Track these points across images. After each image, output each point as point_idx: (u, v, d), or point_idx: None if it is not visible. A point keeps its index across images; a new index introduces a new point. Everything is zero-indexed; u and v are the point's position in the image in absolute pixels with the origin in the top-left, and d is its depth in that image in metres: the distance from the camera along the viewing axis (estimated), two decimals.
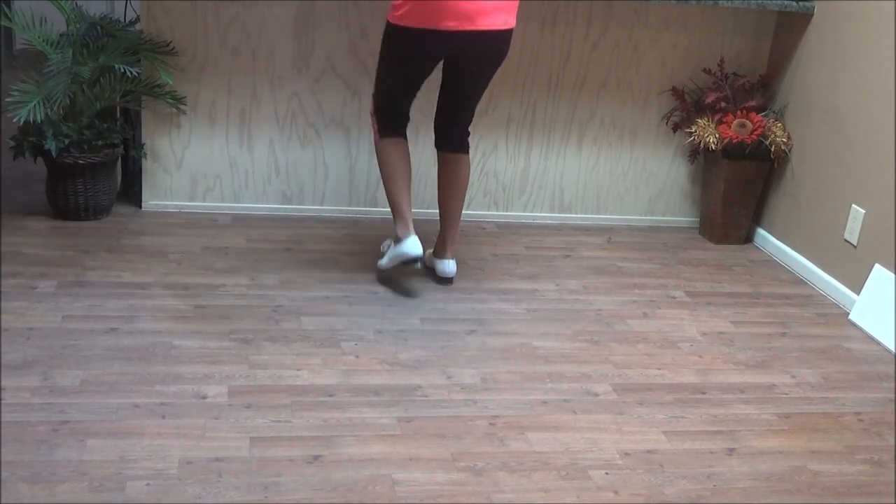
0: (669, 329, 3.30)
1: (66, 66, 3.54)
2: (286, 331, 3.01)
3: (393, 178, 3.32)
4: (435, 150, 3.50)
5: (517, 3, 3.17)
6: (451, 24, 3.06)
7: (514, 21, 3.19)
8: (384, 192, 3.40)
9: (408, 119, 3.41)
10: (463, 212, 4.16)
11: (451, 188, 3.43)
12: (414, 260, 3.29)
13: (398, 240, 3.30)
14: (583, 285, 3.59)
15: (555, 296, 3.48)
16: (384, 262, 3.40)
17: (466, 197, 4.14)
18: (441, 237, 3.49)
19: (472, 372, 2.87)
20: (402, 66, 3.26)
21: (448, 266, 3.47)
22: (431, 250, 3.56)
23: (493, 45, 3.19)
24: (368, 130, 3.98)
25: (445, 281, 3.48)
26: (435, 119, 3.45)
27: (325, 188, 4.04)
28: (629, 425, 2.66)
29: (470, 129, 3.44)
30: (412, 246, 3.26)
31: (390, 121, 3.35)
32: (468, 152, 3.43)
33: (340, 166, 4.02)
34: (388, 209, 4.10)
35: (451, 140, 3.42)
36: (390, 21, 3.18)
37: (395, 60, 3.24)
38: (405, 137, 3.38)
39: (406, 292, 3.37)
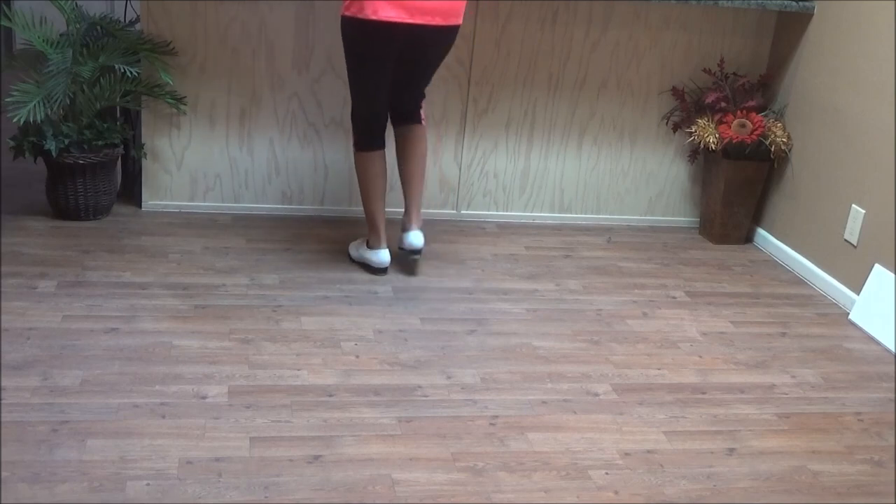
0: (669, 329, 3.30)
1: (66, 66, 3.54)
2: (286, 331, 3.01)
3: (368, 192, 3.45)
4: None
5: (463, 6, 3.25)
6: (407, 18, 3.14)
7: (460, 19, 3.27)
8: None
9: (384, 124, 3.43)
10: (463, 211, 4.18)
11: (408, 159, 3.48)
12: (381, 271, 3.51)
13: (370, 247, 3.51)
14: (583, 285, 3.59)
15: (555, 296, 3.48)
16: (354, 253, 3.59)
17: (467, 196, 4.15)
18: (407, 210, 3.52)
19: (472, 372, 2.87)
20: (360, 61, 3.28)
21: (414, 238, 3.47)
22: (362, 243, 3.58)
23: (444, 40, 3.29)
24: None
25: (413, 253, 3.49)
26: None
27: (325, 188, 4.04)
28: (629, 425, 2.66)
29: (423, 103, 3.50)
30: (381, 258, 3.48)
31: (369, 131, 3.41)
32: (422, 122, 3.49)
33: (340, 166, 4.02)
34: (388, 209, 4.11)
35: (404, 113, 3.48)
36: (341, 15, 3.22)
37: (354, 55, 3.29)
38: (383, 147, 3.43)
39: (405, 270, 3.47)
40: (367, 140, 3.40)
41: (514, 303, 3.38)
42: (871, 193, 3.53)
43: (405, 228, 3.51)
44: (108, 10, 4.60)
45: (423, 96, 3.51)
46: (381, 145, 3.42)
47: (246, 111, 3.88)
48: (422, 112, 3.51)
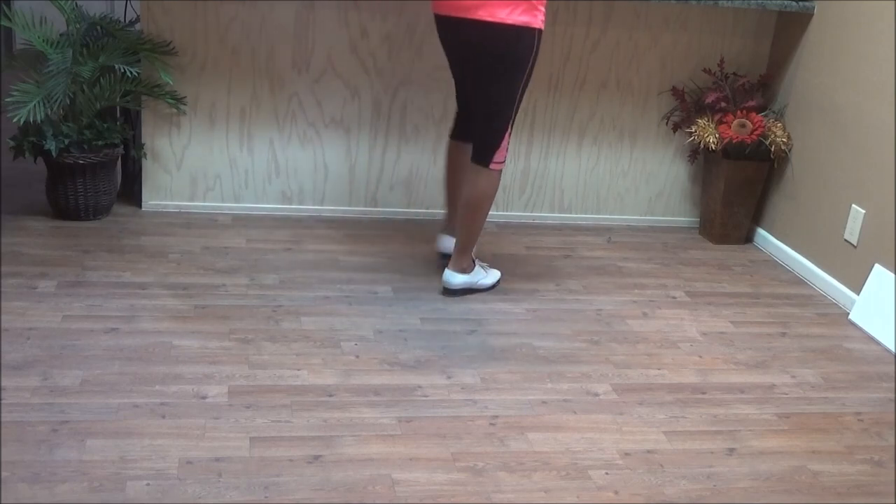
0: (669, 329, 3.30)
1: (66, 66, 3.54)
2: (286, 331, 3.01)
3: (449, 180, 3.52)
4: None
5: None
6: (444, 11, 3.15)
7: (506, 16, 2.99)
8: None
9: (464, 121, 3.38)
10: None
11: (463, 196, 3.30)
12: (444, 255, 3.55)
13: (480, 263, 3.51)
14: (583, 285, 3.59)
15: (555, 296, 3.48)
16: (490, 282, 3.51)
17: None
18: (455, 247, 3.40)
19: (472, 372, 2.87)
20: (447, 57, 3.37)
21: (446, 276, 3.34)
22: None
23: (482, 38, 3.06)
24: (368, 130, 3.98)
25: (445, 292, 3.38)
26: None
27: (325, 188, 4.04)
28: (629, 425, 2.66)
29: (501, 145, 3.19)
30: (444, 242, 3.58)
31: (455, 119, 3.48)
32: (487, 166, 3.20)
33: (340, 166, 4.02)
34: (387, 209, 4.12)
35: (473, 147, 3.27)
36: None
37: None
38: (460, 140, 3.40)
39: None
40: (453, 127, 3.48)
41: (514, 303, 3.38)
42: (871, 193, 3.52)
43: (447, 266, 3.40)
44: (108, 10, 4.60)
45: (490, 133, 3.19)
46: (458, 136, 3.42)
47: (246, 111, 3.88)
48: (495, 153, 3.19)
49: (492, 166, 3.21)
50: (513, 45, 3.05)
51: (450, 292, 3.37)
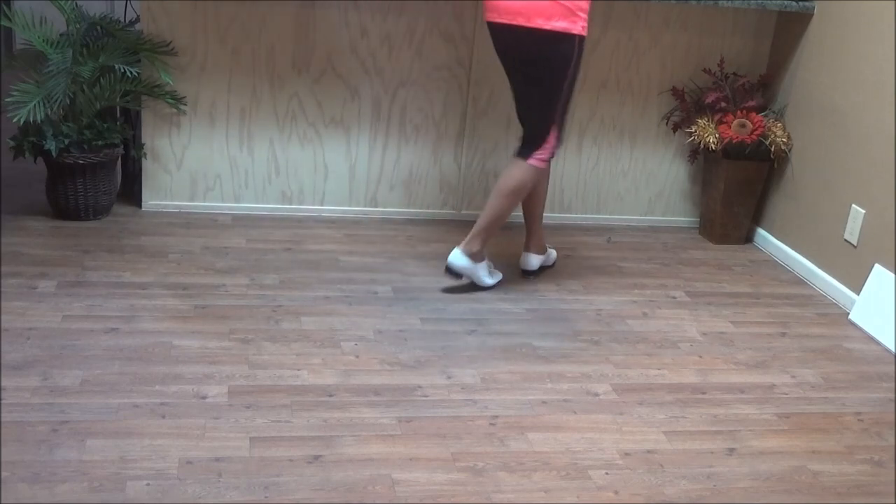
0: (669, 329, 3.30)
1: (66, 66, 3.54)
2: (286, 331, 3.01)
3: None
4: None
5: (563, 6, 3.06)
6: (493, 17, 3.19)
7: (559, 24, 3.07)
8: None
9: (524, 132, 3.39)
10: (463, 211, 4.19)
11: (496, 184, 3.36)
12: (524, 272, 3.60)
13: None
14: (583, 285, 3.59)
15: (555, 296, 3.48)
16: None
17: (466, 196, 4.16)
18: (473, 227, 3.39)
19: (472, 372, 2.87)
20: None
21: (452, 254, 3.34)
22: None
23: (523, 44, 3.15)
24: (368, 130, 3.98)
25: (447, 269, 3.35)
26: None
27: (325, 188, 4.04)
28: (629, 425, 2.66)
29: (546, 144, 3.28)
30: (525, 260, 3.60)
31: (520, 137, 3.41)
32: (525, 160, 3.29)
33: (340, 166, 4.02)
34: (387, 209, 4.13)
35: (521, 142, 3.36)
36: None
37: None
38: (516, 156, 3.35)
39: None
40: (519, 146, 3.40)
41: (514, 303, 3.38)
42: (871, 193, 3.52)
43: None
44: (108, 10, 4.60)
45: (536, 129, 3.29)
46: (517, 154, 3.36)
47: (246, 111, 3.88)
48: (537, 151, 3.28)
49: (530, 161, 3.29)
50: (551, 51, 3.13)
51: (449, 271, 3.35)
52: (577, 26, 3.10)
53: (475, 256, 3.36)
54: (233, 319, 3.05)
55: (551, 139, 3.29)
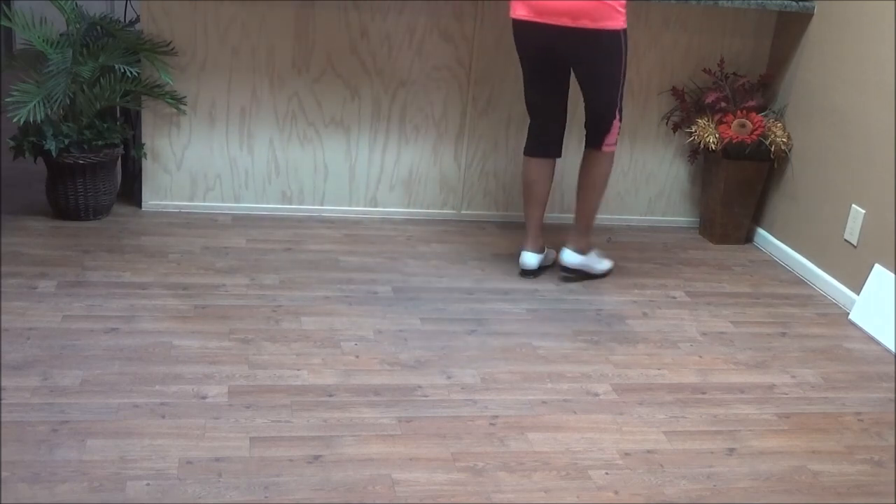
0: (669, 329, 3.30)
1: (66, 66, 3.54)
2: (286, 331, 3.01)
3: (523, 195, 3.62)
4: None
5: (608, 5, 3.19)
6: (531, 16, 3.25)
7: (605, 23, 3.21)
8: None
9: (549, 137, 3.52)
10: (463, 211, 4.18)
11: (580, 179, 3.56)
12: (524, 273, 3.60)
13: (522, 248, 3.63)
14: (583, 285, 3.59)
15: (555, 296, 3.48)
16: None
17: (466, 196, 4.16)
18: (574, 227, 3.59)
19: (472, 372, 2.87)
20: (521, 64, 3.46)
21: (564, 255, 3.55)
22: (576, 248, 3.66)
23: (584, 44, 3.26)
24: (368, 130, 3.98)
25: (563, 269, 3.58)
26: None
27: (325, 188, 4.04)
28: (629, 425, 2.66)
29: (613, 128, 3.45)
30: (522, 260, 3.59)
31: (530, 136, 3.56)
32: (600, 149, 3.48)
33: (340, 166, 4.02)
34: (387, 209, 4.13)
35: (588, 136, 3.52)
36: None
37: (519, 59, 3.46)
38: (542, 157, 3.54)
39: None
40: (526, 144, 3.57)
41: (514, 303, 3.38)
42: (871, 193, 3.52)
43: (563, 245, 3.59)
44: (108, 10, 4.60)
45: (603, 118, 3.44)
46: (536, 153, 3.54)
47: (246, 111, 3.89)
48: (606, 137, 3.46)
49: (604, 148, 3.48)
50: (603, 49, 3.29)
51: (566, 271, 3.56)
52: (619, 22, 3.26)
53: (584, 251, 3.58)
54: (233, 319, 3.05)
55: (616, 124, 3.46)
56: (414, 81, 3.95)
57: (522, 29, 3.32)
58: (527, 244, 3.59)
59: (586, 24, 3.20)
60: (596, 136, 3.48)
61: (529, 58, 3.41)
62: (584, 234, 3.57)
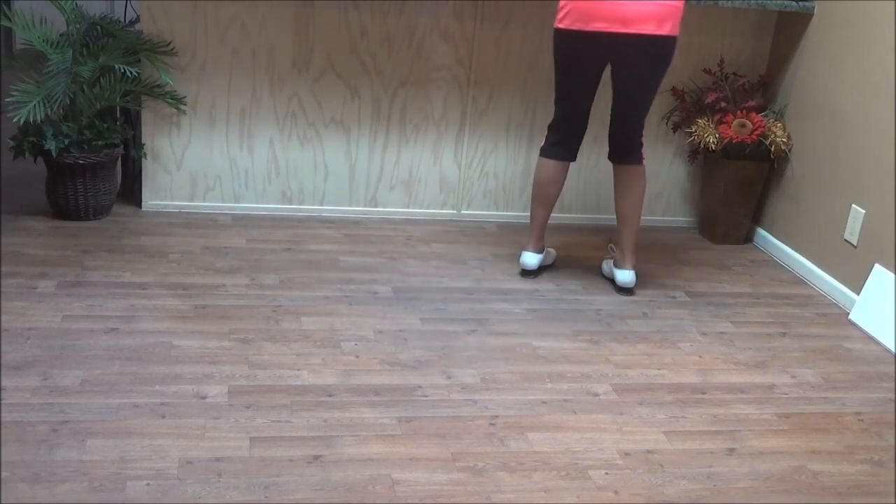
0: (669, 329, 3.30)
1: (66, 66, 3.54)
2: (286, 331, 3.01)
3: (533, 195, 3.56)
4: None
5: (675, 10, 3.19)
6: (601, 26, 3.18)
7: (672, 28, 3.21)
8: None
9: (574, 141, 3.49)
10: (463, 211, 4.18)
11: (623, 201, 3.49)
12: (525, 273, 3.60)
13: (523, 248, 3.62)
14: (583, 285, 3.59)
15: (555, 296, 3.48)
16: (605, 268, 3.68)
17: (467, 196, 4.16)
18: (620, 247, 3.54)
19: (472, 372, 2.87)
20: (564, 73, 3.38)
21: (625, 276, 3.52)
22: (612, 260, 3.63)
23: (646, 51, 3.23)
24: (368, 130, 3.98)
25: (624, 291, 3.54)
26: (608, 130, 3.52)
27: (325, 188, 4.04)
28: (629, 425, 2.66)
29: (643, 140, 3.47)
30: (523, 260, 3.58)
31: (553, 139, 3.49)
32: (640, 163, 3.46)
33: (340, 166, 4.02)
34: (388, 209, 4.12)
35: (620, 150, 3.48)
36: (554, 27, 3.32)
37: (559, 67, 3.38)
38: (562, 160, 3.49)
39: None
40: (546, 146, 3.50)
41: (514, 303, 3.38)
42: (871, 193, 3.53)
43: (618, 266, 3.55)
44: (108, 10, 4.60)
45: (638, 131, 3.45)
46: (558, 156, 3.48)
47: (246, 111, 3.89)
48: (641, 150, 3.47)
49: (643, 162, 3.48)
50: (660, 55, 3.28)
51: (629, 292, 3.54)
52: (678, 28, 3.24)
53: (636, 266, 3.59)
54: (233, 319, 3.05)
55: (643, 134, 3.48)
56: (414, 81, 3.95)
57: (578, 39, 3.24)
58: (529, 244, 3.58)
59: (650, 29, 3.17)
60: (629, 150, 3.45)
61: (578, 67, 3.33)
62: (635, 251, 3.55)
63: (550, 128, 3.51)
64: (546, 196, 3.53)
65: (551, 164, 3.48)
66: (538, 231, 3.57)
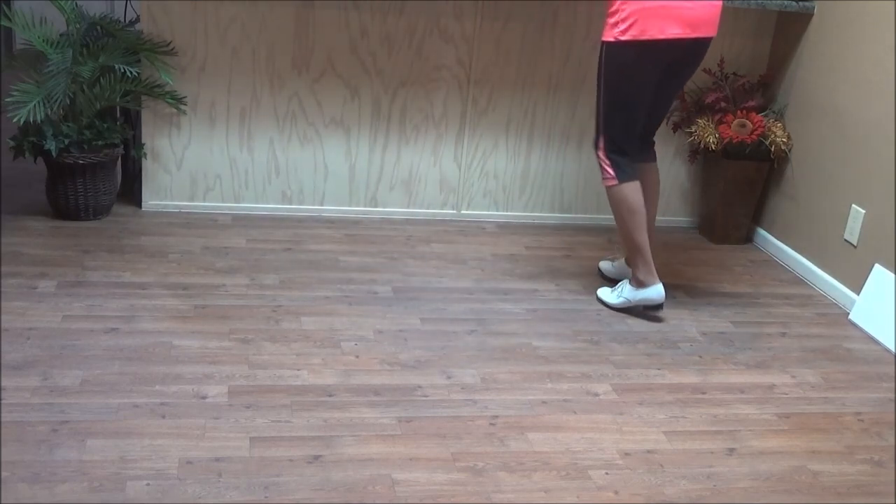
0: (669, 329, 3.30)
1: (66, 66, 3.54)
2: (286, 331, 3.01)
3: (636, 224, 3.25)
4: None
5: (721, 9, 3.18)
6: (677, 33, 3.07)
7: (716, 27, 3.17)
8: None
9: (639, 152, 3.33)
10: (463, 211, 4.18)
11: (650, 197, 3.40)
12: (659, 306, 3.33)
13: (641, 284, 3.30)
14: (583, 285, 3.59)
15: (555, 296, 3.48)
16: (617, 302, 3.37)
17: (467, 196, 4.16)
18: (645, 258, 3.31)
19: (472, 372, 2.87)
20: (633, 88, 3.16)
21: (661, 290, 3.32)
22: (612, 260, 3.61)
23: (701, 54, 3.21)
24: (368, 130, 3.98)
25: (656, 308, 3.36)
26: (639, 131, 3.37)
27: (325, 188, 4.04)
28: (629, 425, 2.66)
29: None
30: (658, 293, 3.29)
31: (625, 162, 3.24)
32: (655, 159, 3.45)
33: (340, 166, 4.02)
34: (388, 209, 4.12)
35: (648, 149, 3.41)
36: (614, 41, 3.10)
37: (626, 83, 3.16)
38: (639, 176, 3.29)
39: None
40: (620, 172, 3.23)
41: (514, 303, 3.38)
42: (871, 193, 3.52)
43: (648, 281, 3.32)
44: (108, 10, 4.60)
45: (658, 126, 3.44)
46: (637, 176, 3.27)
47: (246, 111, 3.89)
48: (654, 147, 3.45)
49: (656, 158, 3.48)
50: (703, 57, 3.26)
51: (660, 307, 3.36)
52: None
53: None
54: (233, 319, 3.05)
55: None
56: (414, 81, 3.95)
57: (661, 47, 3.07)
58: (649, 276, 3.29)
59: (709, 32, 3.15)
60: (651, 147, 3.43)
61: (646, 80, 3.16)
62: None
63: (618, 151, 3.24)
64: (643, 218, 3.26)
65: (636, 187, 3.24)
66: (650, 257, 3.28)
